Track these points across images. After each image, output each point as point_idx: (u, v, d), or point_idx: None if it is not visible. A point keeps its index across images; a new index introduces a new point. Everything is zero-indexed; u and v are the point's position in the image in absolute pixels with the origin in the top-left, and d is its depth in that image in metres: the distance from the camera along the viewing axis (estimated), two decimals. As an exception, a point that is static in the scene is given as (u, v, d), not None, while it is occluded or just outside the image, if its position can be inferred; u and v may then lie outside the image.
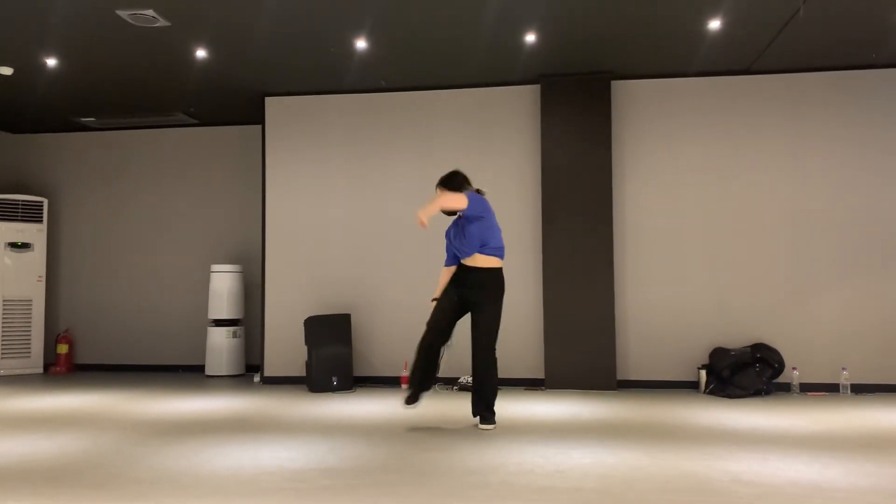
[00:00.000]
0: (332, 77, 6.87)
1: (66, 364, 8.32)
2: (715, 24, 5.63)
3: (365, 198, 7.21)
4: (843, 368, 6.36)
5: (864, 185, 6.56)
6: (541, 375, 6.79)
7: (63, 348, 8.33)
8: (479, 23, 5.59)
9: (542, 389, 6.64)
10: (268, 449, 4.10)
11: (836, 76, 6.63)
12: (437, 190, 4.88)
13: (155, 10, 5.25)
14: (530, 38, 5.88)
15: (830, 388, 6.41)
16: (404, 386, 6.78)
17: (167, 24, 5.50)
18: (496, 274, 4.76)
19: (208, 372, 7.83)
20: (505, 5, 5.28)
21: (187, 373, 8.16)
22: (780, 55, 6.30)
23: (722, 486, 3.27)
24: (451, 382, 6.83)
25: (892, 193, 6.52)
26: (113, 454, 3.99)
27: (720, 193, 6.73)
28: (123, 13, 5.28)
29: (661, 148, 6.83)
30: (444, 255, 4.96)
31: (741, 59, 6.41)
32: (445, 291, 4.86)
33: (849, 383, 6.32)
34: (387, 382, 7.01)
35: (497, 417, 4.80)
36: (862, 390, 6.37)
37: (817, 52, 6.23)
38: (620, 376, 6.69)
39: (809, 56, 6.34)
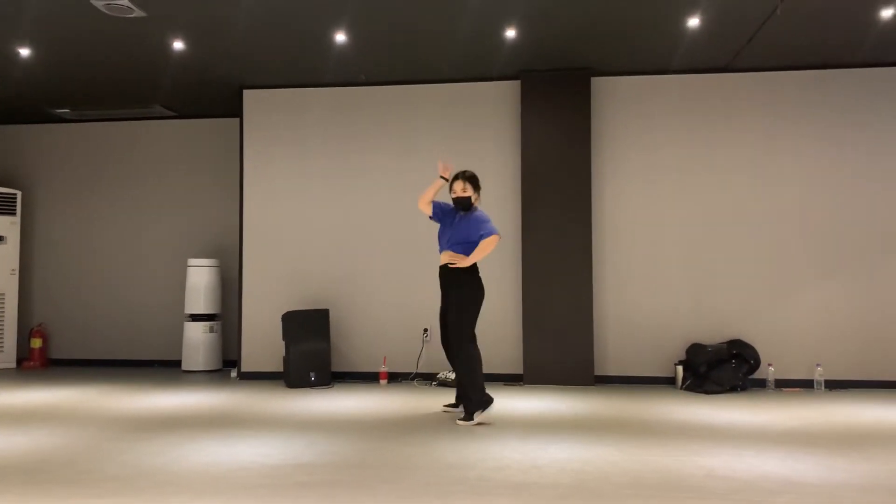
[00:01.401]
0: (311, 70, 6.82)
1: (39, 359, 8.20)
2: (694, 22, 5.66)
3: (344, 192, 7.18)
4: (818, 365, 6.44)
5: (840, 184, 6.64)
6: (519, 371, 6.80)
7: (37, 342, 8.21)
8: (459, 17, 5.57)
9: (520, 385, 6.66)
10: (244, 445, 4.07)
11: (814, 75, 6.70)
12: (463, 184, 4.95)
13: (130, 1, 5.18)
14: (511, 33, 5.88)
15: (805, 385, 6.48)
16: (383, 381, 6.78)
17: (143, 14, 5.42)
18: (459, 272, 4.91)
19: (185, 367, 7.76)
20: (485, 0, 5.26)
21: (163, 368, 8.09)
22: (757, 54, 6.35)
23: (696, 481, 3.30)
24: (429, 378, 6.83)
25: (868, 193, 6.60)
26: (86, 450, 3.94)
27: (698, 190, 6.78)
28: (98, 3, 5.19)
29: (639, 144, 6.86)
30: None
31: (719, 57, 6.45)
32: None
33: (823, 379, 6.40)
34: (365, 378, 6.99)
35: (479, 413, 4.79)
36: (836, 386, 6.45)
37: (794, 51, 6.28)
38: (598, 372, 6.72)
39: (787, 55, 6.39)
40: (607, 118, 6.89)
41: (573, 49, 6.32)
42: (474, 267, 4.90)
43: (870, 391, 6.30)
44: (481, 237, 4.84)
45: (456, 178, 5.00)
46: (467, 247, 4.87)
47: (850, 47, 6.19)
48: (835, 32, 5.87)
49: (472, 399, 4.80)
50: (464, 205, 4.96)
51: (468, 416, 4.77)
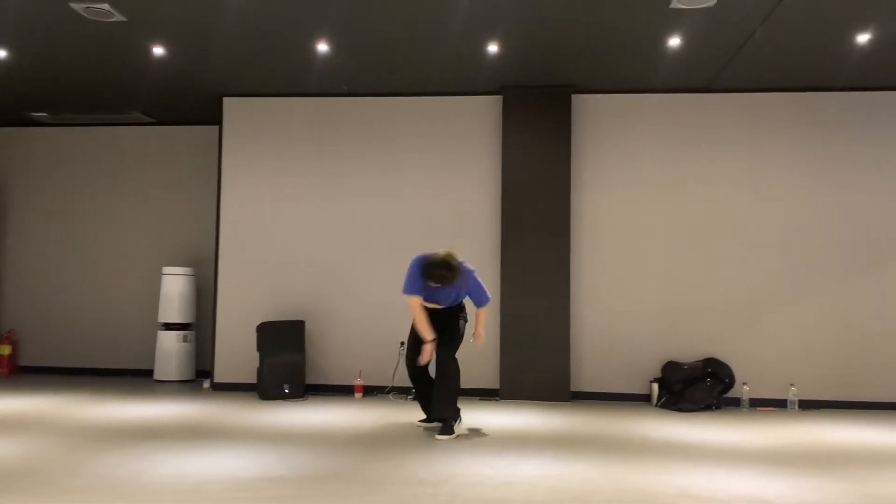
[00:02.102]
0: (292, 80, 6.79)
1: (8, 366, 8.05)
2: (675, 42, 5.70)
3: (323, 204, 7.13)
4: (792, 384, 6.47)
5: (816, 205, 6.70)
6: (496, 386, 6.77)
7: (5, 349, 8.06)
8: (442, 32, 5.58)
9: (496, 400, 6.63)
10: (214, 457, 4.00)
11: (794, 97, 6.76)
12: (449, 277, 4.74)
13: (110, 5, 5.12)
14: (493, 48, 5.89)
15: (779, 404, 6.51)
16: (358, 395, 6.72)
17: (123, 19, 5.37)
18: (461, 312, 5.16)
19: (157, 377, 7.64)
20: (468, 15, 5.27)
21: (135, 377, 7.95)
22: (738, 75, 6.41)
23: (669, 500, 3.28)
24: (405, 392, 6.78)
25: (842, 214, 6.67)
26: (50, 460, 3.85)
27: (676, 210, 6.81)
28: (78, 6, 5.14)
29: (619, 163, 6.89)
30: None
31: (700, 77, 6.51)
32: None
33: (797, 399, 6.42)
34: (339, 391, 6.92)
35: (458, 425, 4.92)
36: (809, 406, 6.48)
37: (774, 72, 6.35)
38: (574, 388, 6.71)
39: (766, 77, 6.46)
40: (588, 136, 6.92)
41: (555, 67, 6.35)
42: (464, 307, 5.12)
43: (843, 411, 6.33)
44: (480, 303, 5.04)
45: (436, 264, 4.70)
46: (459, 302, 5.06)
47: (829, 71, 6.28)
48: (813, 56, 5.95)
49: (448, 413, 4.81)
50: (446, 284, 4.77)
51: (449, 431, 4.75)
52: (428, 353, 4.84)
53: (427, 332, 4.82)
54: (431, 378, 5.05)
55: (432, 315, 4.94)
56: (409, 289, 4.82)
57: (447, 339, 4.95)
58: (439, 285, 4.76)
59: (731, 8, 5.06)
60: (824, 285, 6.63)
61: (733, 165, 6.79)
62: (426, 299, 4.92)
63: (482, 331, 5.09)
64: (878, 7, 5.02)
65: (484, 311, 5.09)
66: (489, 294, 5.10)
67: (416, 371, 5.08)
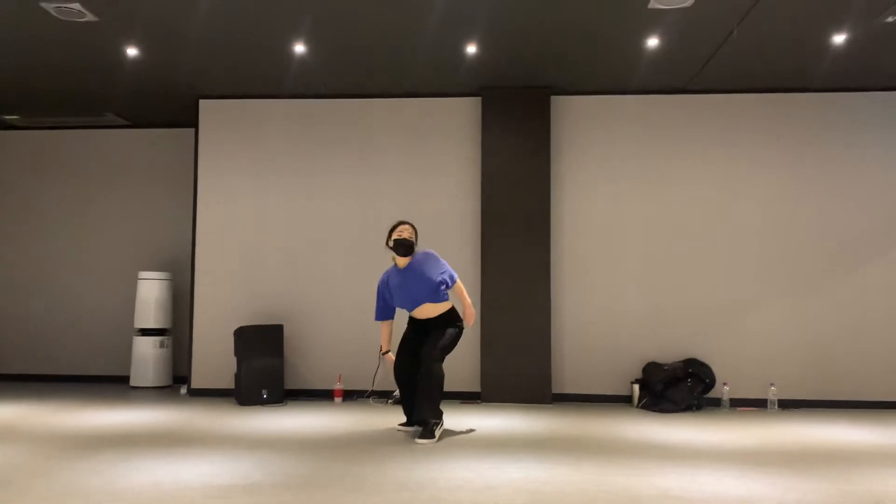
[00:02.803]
0: (269, 81, 6.72)
1: (-21, 373, 7.89)
2: (653, 43, 5.71)
3: (300, 206, 7.07)
4: (772, 384, 6.50)
5: (793, 205, 6.74)
6: (477, 389, 6.73)
7: (-23, 357, 7.91)
8: (420, 32, 5.54)
9: (477, 403, 6.59)
10: (190, 463, 3.92)
11: (771, 98, 6.81)
12: (410, 229, 4.96)
13: (81, 4, 5.04)
14: (471, 49, 5.86)
15: (759, 404, 6.53)
16: (337, 399, 6.65)
17: (95, 19, 5.28)
18: (452, 316, 5.06)
19: (133, 383, 7.53)
20: (446, 16, 5.24)
21: (111, 383, 7.83)
22: (715, 75, 6.44)
23: (651, 501, 3.26)
24: (385, 396, 6.72)
25: (819, 215, 6.71)
26: (21, 469, 3.75)
27: (655, 210, 6.82)
28: (48, 5, 5.05)
29: (598, 164, 6.89)
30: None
31: (678, 78, 6.53)
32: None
33: (776, 399, 6.45)
34: (319, 396, 6.85)
35: (439, 429, 4.86)
36: (789, 405, 6.51)
37: (751, 73, 6.38)
38: (556, 390, 6.69)
39: (743, 78, 6.49)
40: (567, 137, 6.92)
41: (534, 68, 6.33)
42: (455, 311, 5.05)
43: (822, 410, 6.36)
44: (445, 284, 4.92)
45: (396, 225, 4.99)
46: (437, 293, 4.92)
47: (806, 72, 6.32)
48: (789, 57, 5.98)
49: (429, 416, 4.76)
50: (406, 247, 4.90)
51: (430, 435, 4.70)
52: (388, 363, 5.10)
53: (384, 343, 5.16)
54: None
55: (422, 324, 4.98)
56: (377, 311, 5.13)
57: (431, 341, 4.89)
58: (403, 248, 4.88)
59: (708, 8, 5.07)
60: (802, 285, 6.67)
61: (712, 166, 6.82)
62: (400, 300, 4.95)
63: (470, 310, 4.98)
64: (853, 7, 5.05)
65: (463, 291, 5.01)
66: (456, 274, 5.10)
67: (405, 377, 5.01)
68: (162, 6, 5.11)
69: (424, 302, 4.92)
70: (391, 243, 4.93)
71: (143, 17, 5.29)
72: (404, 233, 4.91)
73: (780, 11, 5.13)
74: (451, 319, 4.97)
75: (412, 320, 5.07)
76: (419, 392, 4.84)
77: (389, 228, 5.02)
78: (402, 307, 5.03)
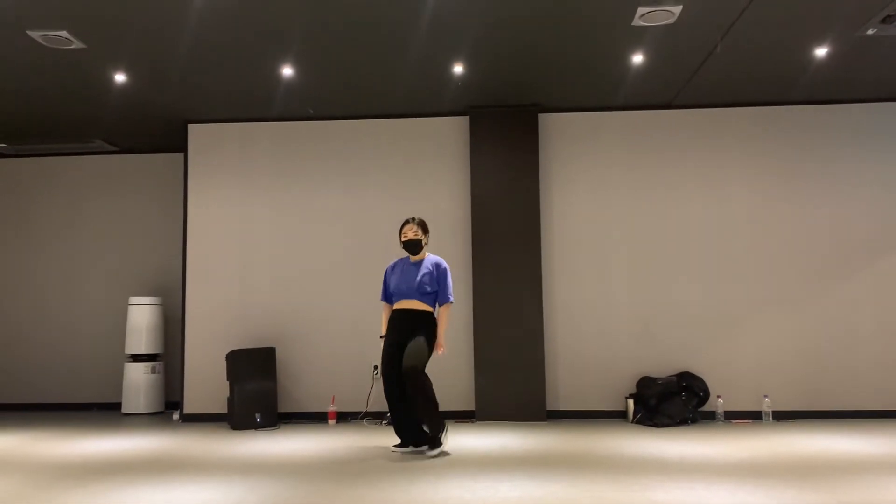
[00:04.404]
0: (257, 104, 6.74)
1: (-31, 404, 7.81)
2: (638, 60, 5.76)
3: (291, 229, 7.06)
4: (766, 396, 6.50)
5: (782, 217, 6.78)
6: (471, 407, 6.71)
7: (-34, 387, 7.83)
8: (407, 53, 5.58)
9: (472, 421, 6.56)
10: (182, 490, 3.89)
11: (755, 111, 6.88)
12: (414, 228, 5.15)
13: (69, 32, 5.05)
14: (459, 69, 5.90)
15: (753, 416, 6.53)
16: (331, 421, 6.62)
17: (83, 46, 5.29)
18: (428, 317, 5.14)
19: (125, 410, 7.47)
20: (433, 36, 5.28)
21: (102, 411, 7.77)
22: (700, 91, 6.50)
23: (649, 516, 3.24)
24: (379, 416, 6.69)
25: (808, 226, 6.76)
26: (13, 499, 3.71)
27: (645, 224, 6.85)
28: (35, 34, 5.06)
29: (586, 180, 6.92)
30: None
31: (663, 93, 6.59)
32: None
33: (771, 410, 6.45)
34: (313, 418, 6.81)
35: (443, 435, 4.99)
36: (783, 417, 6.51)
37: (735, 87, 6.44)
38: (550, 407, 6.67)
39: (727, 93, 6.56)
40: (555, 154, 6.95)
41: (521, 86, 6.38)
42: (435, 322, 5.14)
43: (816, 421, 6.37)
44: (436, 294, 5.09)
45: (406, 222, 5.19)
46: (429, 296, 5.08)
47: (788, 86, 6.38)
48: (772, 71, 6.04)
49: (431, 426, 4.89)
50: (414, 247, 5.12)
51: (436, 444, 4.87)
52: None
53: (383, 327, 5.23)
54: (407, 401, 5.00)
55: (401, 324, 5.05)
56: (382, 293, 5.33)
57: (412, 343, 4.95)
58: (412, 248, 5.11)
59: (691, 24, 5.13)
60: (793, 296, 6.70)
61: (699, 181, 6.86)
62: (395, 285, 5.12)
63: (442, 338, 5.10)
64: (833, 21, 5.12)
65: (446, 314, 5.10)
66: (453, 297, 5.22)
67: (394, 394, 5.01)
68: (149, 32, 5.13)
69: (413, 297, 5.05)
70: (403, 242, 5.18)
71: (131, 44, 5.31)
72: (409, 233, 5.13)
73: (762, 26, 5.19)
74: (428, 325, 5.06)
75: (392, 322, 5.12)
76: (419, 406, 4.90)
77: (400, 226, 5.32)
78: (395, 292, 5.14)
